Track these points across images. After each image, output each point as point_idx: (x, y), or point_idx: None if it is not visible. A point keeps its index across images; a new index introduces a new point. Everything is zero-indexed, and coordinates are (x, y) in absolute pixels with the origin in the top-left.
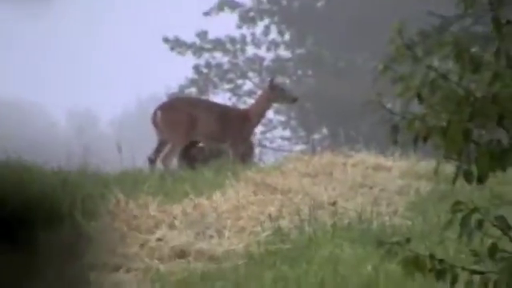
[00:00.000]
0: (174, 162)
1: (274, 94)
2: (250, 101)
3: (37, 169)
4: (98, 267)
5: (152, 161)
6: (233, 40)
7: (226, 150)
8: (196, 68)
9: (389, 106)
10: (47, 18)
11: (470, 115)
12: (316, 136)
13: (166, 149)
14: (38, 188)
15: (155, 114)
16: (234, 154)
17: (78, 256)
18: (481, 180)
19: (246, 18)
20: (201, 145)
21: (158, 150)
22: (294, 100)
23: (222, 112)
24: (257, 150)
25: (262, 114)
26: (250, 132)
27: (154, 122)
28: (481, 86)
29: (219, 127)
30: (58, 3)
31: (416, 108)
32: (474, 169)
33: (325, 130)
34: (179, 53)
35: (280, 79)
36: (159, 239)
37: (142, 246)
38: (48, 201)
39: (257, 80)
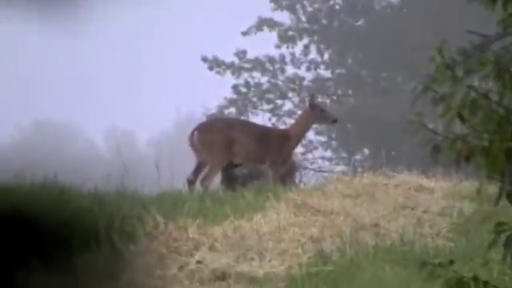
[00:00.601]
0: (215, 182)
1: (315, 114)
2: (290, 121)
3: (74, 190)
4: None
5: (191, 182)
6: (272, 60)
7: (266, 171)
8: (235, 88)
9: (430, 126)
10: (85, 37)
11: None
12: (357, 157)
13: (205, 170)
14: (74, 209)
15: (192, 134)
16: (273, 175)
17: (116, 278)
18: None
19: (285, 38)
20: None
21: (196, 171)
22: (335, 121)
23: (261, 132)
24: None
25: (302, 135)
26: (290, 153)
27: (192, 143)
28: None
29: (258, 148)
30: (96, 21)
31: (458, 128)
32: None
33: (366, 151)
34: (218, 72)
35: (320, 99)
36: (199, 262)
37: (181, 268)
38: (85, 222)
39: (296, 100)
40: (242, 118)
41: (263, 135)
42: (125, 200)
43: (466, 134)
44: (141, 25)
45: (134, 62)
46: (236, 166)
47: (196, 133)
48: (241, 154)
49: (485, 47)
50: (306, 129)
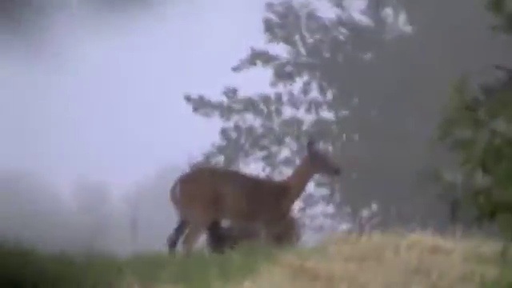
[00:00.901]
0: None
1: (315, 163)
2: (288, 171)
3: (35, 253)
4: None
5: (172, 243)
6: (267, 99)
7: (259, 230)
8: (224, 132)
9: (448, 177)
10: (53, 79)
11: None
12: (364, 213)
13: (188, 229)
14: (35, 276)
15: (174, 187)
16: (267, 235)
17: None
18: None
19: (282, 74)
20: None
21: (178, 231)
22: (337, 171)
23: (254, 185)
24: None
25: (301, 188)
26: (288, 209)
27: (174, 197)
28: None
29: (250, 203)
30: (65, 56)
31: (480, 180)
32: None
33: (374, 206)
34: (204, 114)
35: (322, 145)
36: None
37: None
38: None
39: (295, 146)
40: (232, 167)
41: (256, 188)
42: (95, 264)
43: (489, 187)
44: (114, 61)
45: (105, 103)
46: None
47: (179, 185)
48: (230, 211)
49: (510, 85)
50: (306, 181)
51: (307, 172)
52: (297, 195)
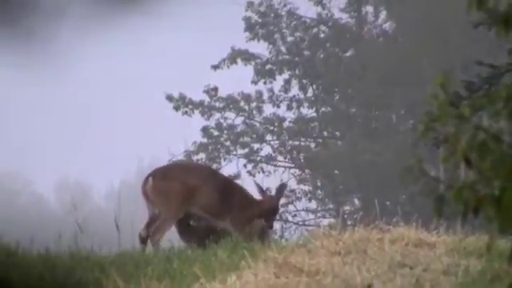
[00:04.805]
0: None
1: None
2: (268, 168)
3: (20, 252)
4: None
5: (143, 239)
6: (247, 97)
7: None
8: (205, 130)
9: (432, 172)
10: (36, 82)
11: None
12: (346, 208)
13: (157, 222)
14: (20, 275)
15: (146, 181)
16: (236, 233)
17: None
18: None
19: (263, 72)
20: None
21: (149, 226)
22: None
23: (226, 185)
24: (278, 225)
25: (269, 214)
26: (253, 219)
27: (144, 192)
28: None
29: (220, 201)
30: (52, 62)
31: (463, 175)
32: None
33: (356, 201)
34: (185, 113)
35: (303, 142)
36: None
37: None
38: None
39: (276, 143)
40: (214, 164)
41: (228, 188)
42: (80, 262)
43: (473, 182)
44: (99, 61)
45: (89, 103)
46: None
47: (150, 179)
48: (200, 206)
49: (495, 80)
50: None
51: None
52: (264, 216)
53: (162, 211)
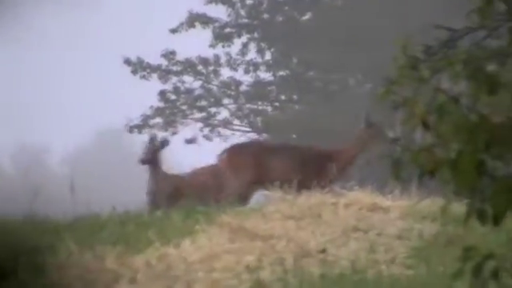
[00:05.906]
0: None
1: (371, 133)
2: (225, 132)
3: None
4: None
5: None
6: (205, 61)
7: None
8: (162, 94)
9: (389, 135)
10: None
11: (486, 145)
12: None
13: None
14: None
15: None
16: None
17: None
18: (497, 221)
19: (221, 36)
20: None
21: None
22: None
23: (302, 155)
24: None
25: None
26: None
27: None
28: (498, 110)
29: (300, 173)
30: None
31: (420, 138)
32: (489, 208)
33: None
34: (143, 77)
35: (260, 106)
36: None
37: None
38: None
39: (233, 107)
40: (171, 128)
41: (304, 158)
42: (34, 227)
43: (431, 145)
44: (55, 23)
45: (43, 66)
46: None
47: (225, 154)
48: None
49: (454, 44)
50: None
51: (362, 144)
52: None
53: (231, 186)
